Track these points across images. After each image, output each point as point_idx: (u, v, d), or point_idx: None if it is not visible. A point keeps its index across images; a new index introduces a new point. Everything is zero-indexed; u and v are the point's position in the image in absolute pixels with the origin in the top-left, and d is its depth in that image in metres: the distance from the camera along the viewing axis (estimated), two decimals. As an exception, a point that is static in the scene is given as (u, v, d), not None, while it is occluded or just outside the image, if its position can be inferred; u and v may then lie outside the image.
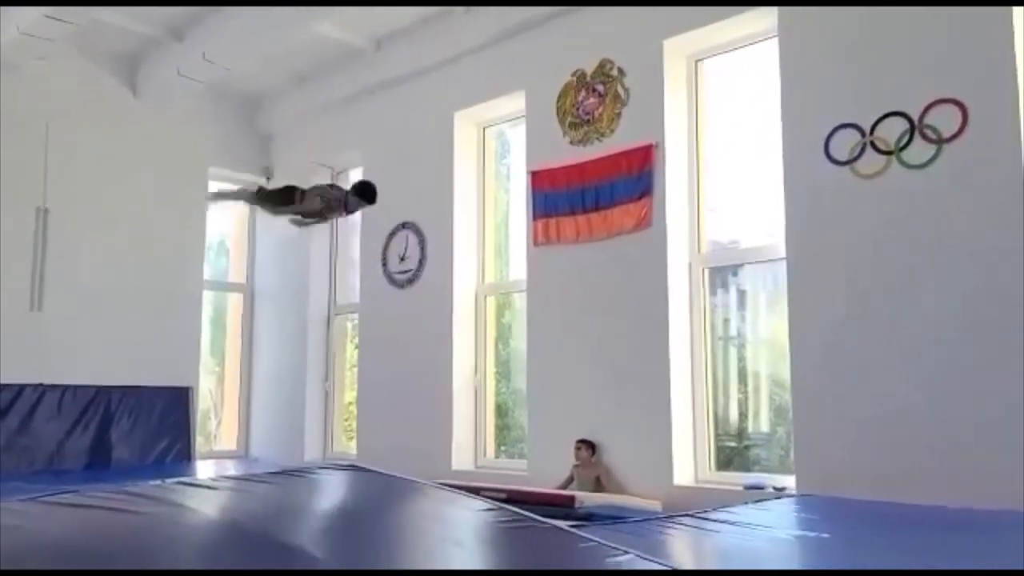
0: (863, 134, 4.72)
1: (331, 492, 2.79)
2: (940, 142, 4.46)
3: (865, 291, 4.67)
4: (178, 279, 7.93)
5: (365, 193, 5.66)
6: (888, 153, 4.63)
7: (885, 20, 4.72)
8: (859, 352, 4.66)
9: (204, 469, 7.46)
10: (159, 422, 7.59)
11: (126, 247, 7.62)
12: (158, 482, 2.75)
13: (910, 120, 4.56)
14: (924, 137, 4.51)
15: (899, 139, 4.59)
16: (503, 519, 2.61)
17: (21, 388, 6.92)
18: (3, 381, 6.80)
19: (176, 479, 2.93)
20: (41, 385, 7.02)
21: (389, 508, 2.63)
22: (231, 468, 7.29)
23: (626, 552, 2.40)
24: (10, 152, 7.05)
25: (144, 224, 7.75)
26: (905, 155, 4.57)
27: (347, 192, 5.70)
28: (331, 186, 6.04)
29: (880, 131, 4.66)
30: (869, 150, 4.70)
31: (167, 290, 7.81)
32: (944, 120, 4.44)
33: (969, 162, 4.36)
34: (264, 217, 8.73)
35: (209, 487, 2.71)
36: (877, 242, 4.65)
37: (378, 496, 2.70)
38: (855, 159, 4.75)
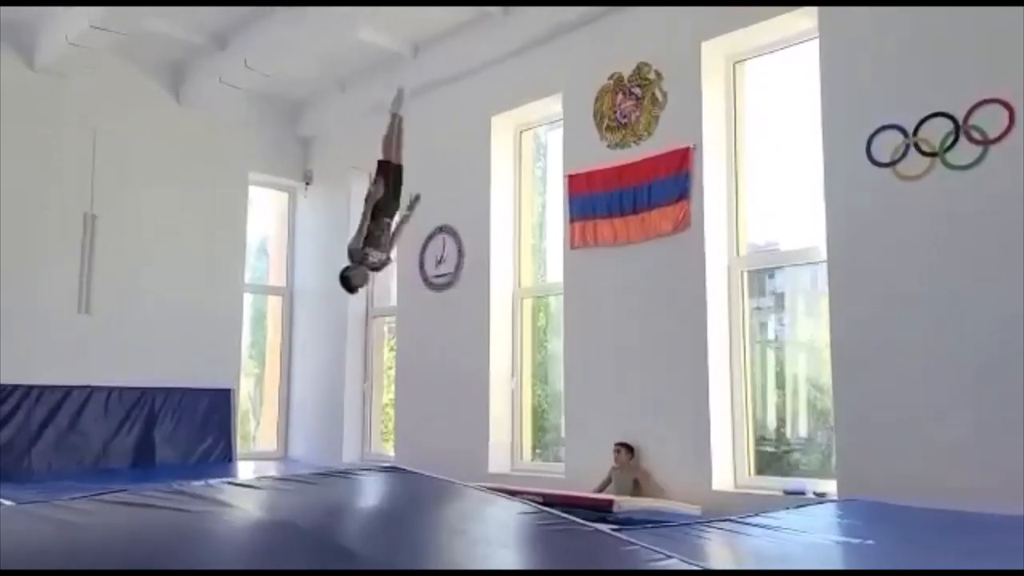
0: (906, 135, 4.65)
1: (375, 493, 2.82)
2: (986, 143, 4.38)
3: (908, 295, 4.60)
4: (220, 282, 8.07)
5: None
6: (932, 155, 4.56)
7: (928, 19, 4.64)
8: (902, 356, 4.59)
9: (245, 469, 7.58)
10: (202, 423, 7.73)
11: (170, 251, 7.77)
12: (204, 482, 2.81)
13: (955, 121, 4.48)
14: (969, 138, 4.43)
15: (943, 140, 4.51)
16: (545, 521, 2.63)
17: (69, 389, 7.10)
18: (52, 383, 7.00)
19: (222, 479, 2.99)
20: (89, 386, 7.19)
21: (432, 509, 2.66)
22: (272, 469, 7.39)
23: (669, 556, 2.40)
24: (59, 159, 7.24)
25: (187, 228, 7.89)
26: (950, 156, 4.50)
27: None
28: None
29: (924, 132, 4.59)
30: (912, 151, 4.63)
31: (209, 293, 7.94)
32: (990, 120, 4.36)
33: (1016, 163, 4.27)
34: (304, 222, 8.88)
35: (254, 487, 2.76)
36: (920, 245, 4.58)
37: (421, 497, 2.73)
38: (898, 161, 4.68)
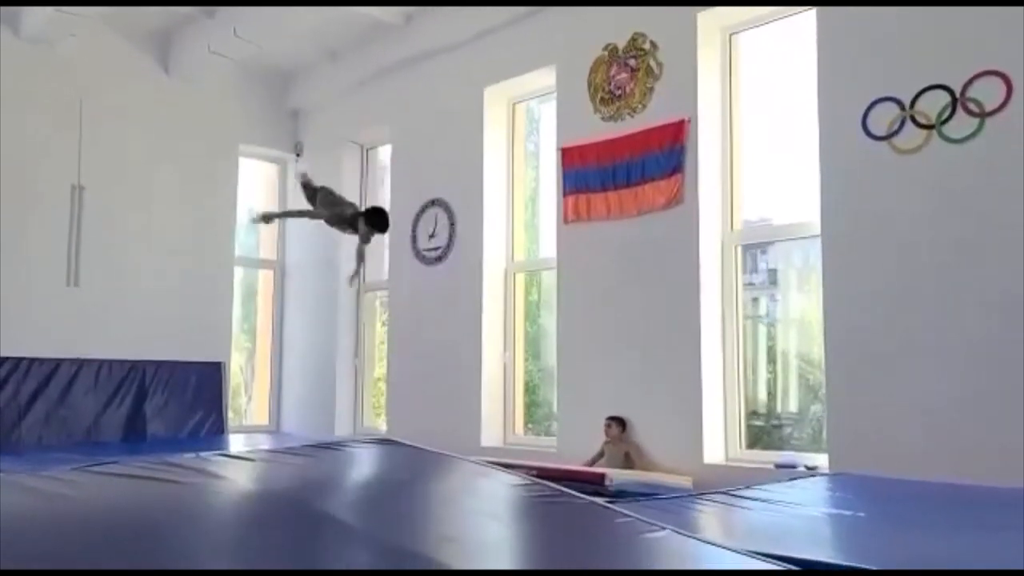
0: (902, 108, 4.62)
1: (367, 465, 2.81)
2: (983, 115, 4.36)
3: (903, 269, 4.59)
4: (210, 255, 8.01)
5: (375, 220, 5.89)
6: (928, 127, 4.53)
7: (927, -10, 4.60)
8: (895, 330, 4.60)
9: (237, 443, 7.56)
10: (193, 396, 7.71)
11: (159, 223, 7.70)
12: (195, 455, 2.78)
13: (952, 93, 4.45)
14: (966, 110, 4.41)
15: (940, 113, 4.49)
16: (538, 493, 2.62)
17: (59, 362, 7.05)
18: (42, 356, 6.95)
19: (213, 452, 2.97)
20: (78, 359, 7.15)
21: (426, 481, 2.65)
22: (264, 442, 7.38)
23: (663, 528, 2.40)
24: (45, 129, 7.14)
25: (176, 200, 7.82)
26: (946, 129, 4.47)
27: (358, 214, 5.95)
28: (347, 204, 6.15)
29: (920, 105, 4.56)
30: (909, 124, 4.60)
31: (199, 266, 7.89)
32: (987, 93, 4.34)
33: (1013, 136, 4.25)
34: (295, 195, 8.81)
35: (246, 459, 2.74)
36: (916, 219, 4.56)
37: (414, 469, 2.72)
38: (894, 134, 4.65)
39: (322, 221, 6.11)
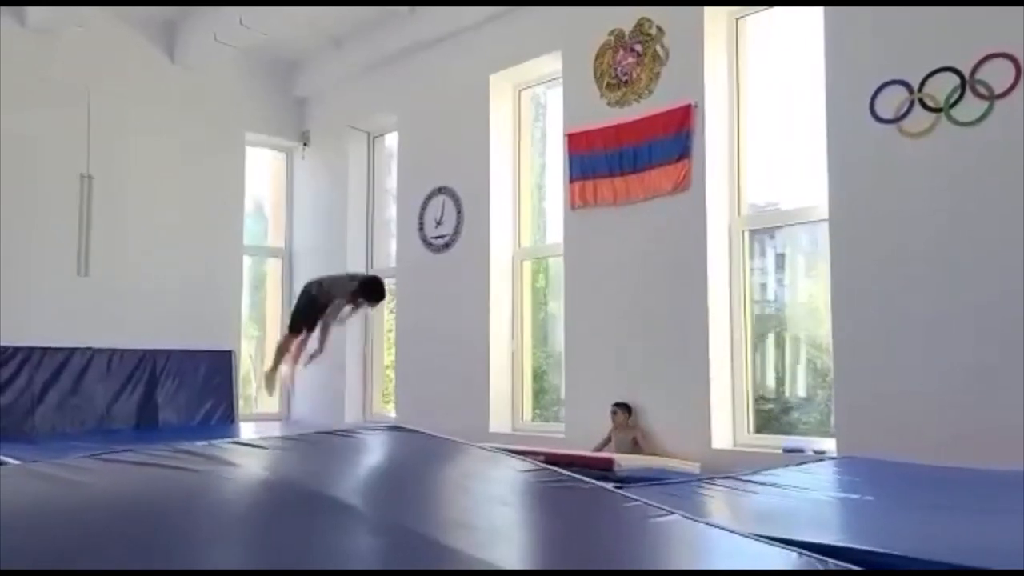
0: (911, 91, 4.60)
1: (377, 451, 2.84)
2: (992, 98, 4.33)
3: (911, 253, 4.58)
4: (219, 244, 8.04)
5: (372, 291, 5.54)
6: (937, 110, 4.51)
7: (936, -28, 4.56)
8: (902, 315, 4.59)
9: (248, 431, 7.61)
10: (203, 384, 7.75)
11: (168, 213, 7.73)
12: (207, 442, 2.81)
13: (960, 75, 4.42)
14: (975, 93, 4.38)
15: (949, 95, 4.46)
16: (546, 479, 2.65)
17: (71, 352, 7.10)
18: (54, 345, 7.00)
19: (226, 439, 3.00)
20: (90, 348, 7.19)
21: (435, 466, 2.67)
22: (274, 430, 7.43)
23: (671, 512, 2.42)
24: (53, 119, 7.16)
25: (184, 189, 7.84)
26: (955, 112, 4.45)
27: (357, 287, 5.54)
28: (350, 278, 5.76)
29: (929, 87, 4.53)
30: (917, 107, 4.58)
31: (208, 255, 7.92)
32: (996, 75, 4.31)
33: (1022, 119, 4.22)
34: (302, 183, 8.82)
35: (259, 447, 2.77)
36: (923, 203, 4.55)
37: (423, 455, 2.75)
38: (902, 117, 4.63)
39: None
